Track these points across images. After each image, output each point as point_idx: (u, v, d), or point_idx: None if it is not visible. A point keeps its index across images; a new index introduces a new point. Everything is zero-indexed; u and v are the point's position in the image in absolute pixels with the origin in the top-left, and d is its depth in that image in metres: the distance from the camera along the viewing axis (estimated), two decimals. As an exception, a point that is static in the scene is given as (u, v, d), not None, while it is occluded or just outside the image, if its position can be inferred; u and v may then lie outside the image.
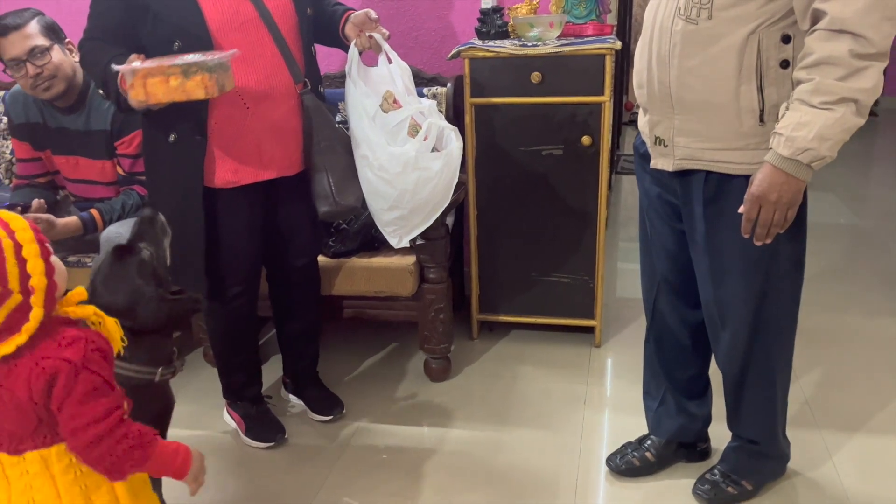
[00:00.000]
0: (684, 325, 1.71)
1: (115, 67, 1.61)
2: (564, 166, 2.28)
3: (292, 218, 1.95)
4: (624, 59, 5.13)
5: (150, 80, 1.56)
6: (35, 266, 1.03)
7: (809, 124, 1.21)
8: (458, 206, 2.44)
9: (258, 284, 2.00)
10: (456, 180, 1.86)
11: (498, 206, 2.37)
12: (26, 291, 1.03)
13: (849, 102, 1.20)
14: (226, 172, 1.80)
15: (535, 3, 2.34)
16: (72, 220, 2.15)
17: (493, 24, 2.33)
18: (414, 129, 1.83)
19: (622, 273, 3.13)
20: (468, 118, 2.29)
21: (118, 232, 2.12)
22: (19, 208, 2.11)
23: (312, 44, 1.88)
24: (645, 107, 1.53)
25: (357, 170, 1.88)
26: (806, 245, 1.47)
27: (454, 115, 2.50)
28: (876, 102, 1.52)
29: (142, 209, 1.44)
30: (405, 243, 1.95)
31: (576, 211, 2.33)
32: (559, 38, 2.24)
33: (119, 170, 2.22)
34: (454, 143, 1.82)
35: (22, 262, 1.02)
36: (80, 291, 1.15)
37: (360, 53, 1.88)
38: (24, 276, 1.03)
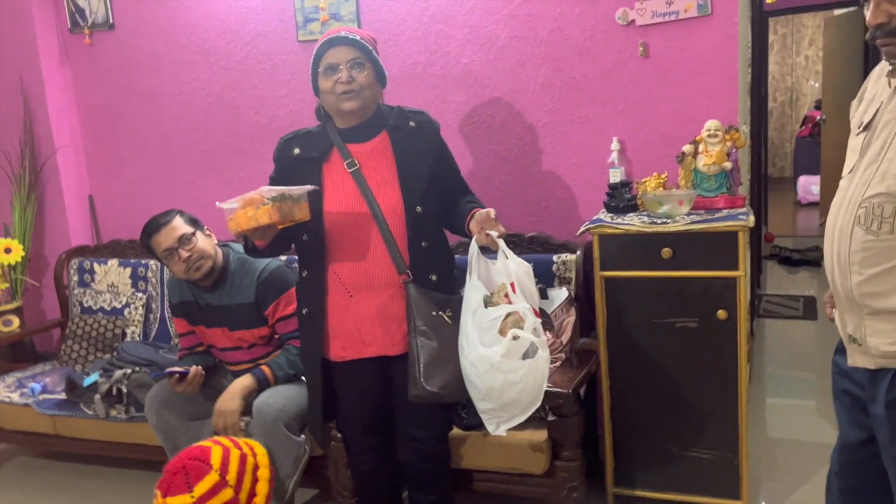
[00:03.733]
0: None
1: (218, 204, 1.86)
2: (700, 339, 2.23)
3: (405, 394, 2.02)
4: (761, 187, 4.97)
5: (239, 212, 1.82)
6: (262, 488, 1.28)
7: None
8: (590, 377, 2.43)
9: (385, 448, 2.13)
10: (545, 386, 1.84)
11: (631, 376, 2.34)
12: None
13: None
14: (336, 349, 2.02)
15: (663, 177, 2.39)
16: (246, 378, 2.40)
17: (621, 198, 2.40)
18: (515, 323, 1.84)
19: (773, 444, 2.92)
20: (598, 290, 2.32)
21: (268, 403, 2.30)
22: (177, 376, 2.37)
23: (424, 238, 1.99)
24: (835, 303, 1.52)
25: (458, 355, 1.93)
26: None
27: (584, 282, 2.54)
28: None
29: None
30: (501, 431, 1.90)
31: (714, 384, 2.24)
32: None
33: (263, 338, 2.48)
34: (540, 353, 1.81)
35: (254, 480, 1.28)
36: None
37: (480, 249, 1.98)
38: (251, 494, 1.27)
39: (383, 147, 1.99)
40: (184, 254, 2.36)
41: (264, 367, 2.41)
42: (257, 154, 3.16)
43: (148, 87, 3.33)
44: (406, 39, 2.85)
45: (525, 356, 1.80)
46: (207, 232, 2.49)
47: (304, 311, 2.05)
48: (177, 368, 2.38)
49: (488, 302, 1.88)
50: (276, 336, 2.50)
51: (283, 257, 2.73)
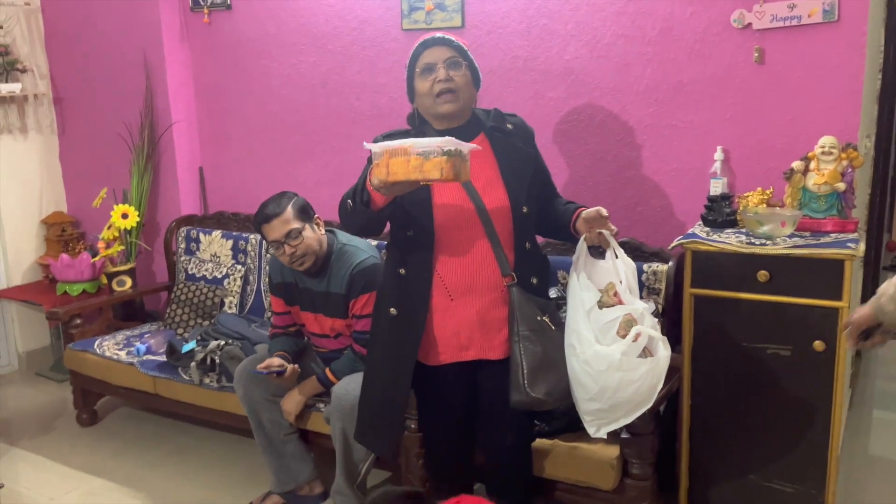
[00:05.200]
0: None
1: (367, 145, 1.75)
2: (792, 369, 2.11)
3: (497, 400, 2.03)
4: (885, 193, 4.60)
5: (393, 160, 1.65)
6: None
7: None
8: (671, 394, 2.35)
9: (463, 446, 2.16)
10: (661, 386, 1.83)
11: (715, 399, 2.25)
12: None
13: None
14: (434, 353, 1.99)
15: (767, 192, 2.26)
16: (312, 382, 2.57)
17: (720, 212, 2.29)
18: (628, 325, 1.82)
19: (872, 462, 2.74)
20: (686, 306, 2.23)
21: (346, 389, 2.38)
22: (275, 374, 2.47)
23: (528, 239, 1.99)
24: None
25: (565, 355, 1.92)
26: None
27: (674, 294, 2.46)
28: None
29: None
30: (602, 434, 1.92)
31: (804, 418, 2.12)
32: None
33: (349, 327, 2.53)
34: (662, 352, 1.79)
35: None
36: None
37: (589, 248, 1.95)
38: None
39: (484, 149, 1.97)
40: (289, 249, 2.42)
41: (329, 373, 2.51)
42: (356, 138, 3.22)
43: (257, 67, 3.45)
44: (509, 33, 2.80)
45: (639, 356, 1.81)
46: (317, 221, 2.52)
47: (391, 311, 1.98)
48: (275, 368, 2.46)
49: (601, 302, 1.87)
50: (353, 330, 2.53)
51: (375, 241, 2.79)
